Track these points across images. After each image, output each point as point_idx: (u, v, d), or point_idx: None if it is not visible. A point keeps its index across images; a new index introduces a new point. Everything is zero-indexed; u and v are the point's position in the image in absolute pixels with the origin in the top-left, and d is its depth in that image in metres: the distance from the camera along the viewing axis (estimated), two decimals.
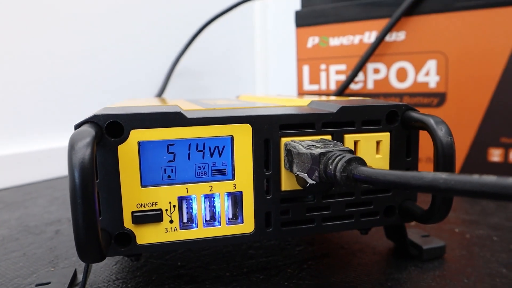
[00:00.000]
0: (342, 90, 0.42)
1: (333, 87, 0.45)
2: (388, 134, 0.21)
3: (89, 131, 0.16)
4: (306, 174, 0.17)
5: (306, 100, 0.24)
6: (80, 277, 0.21)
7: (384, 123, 0.21)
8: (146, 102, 0.24)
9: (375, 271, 0.22)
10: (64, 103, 0.50)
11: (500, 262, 0.23)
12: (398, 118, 0.21)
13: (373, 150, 0.21)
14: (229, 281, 0.21)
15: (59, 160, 0.48)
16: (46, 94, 0.48)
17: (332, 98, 0.26)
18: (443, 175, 0.12)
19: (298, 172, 0.18)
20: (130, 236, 0.18)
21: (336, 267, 0.23)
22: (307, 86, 0.47)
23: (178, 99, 0.36)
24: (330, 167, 0.16)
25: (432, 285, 0.21)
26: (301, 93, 0.47)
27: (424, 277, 0.22)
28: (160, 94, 0.54)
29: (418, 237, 0.25)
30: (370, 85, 0.43)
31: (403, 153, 0.21)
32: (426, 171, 0.13)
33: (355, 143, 0.20)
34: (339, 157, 0.16)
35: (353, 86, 0.44)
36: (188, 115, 0.18)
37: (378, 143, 0.21)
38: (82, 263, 0.23)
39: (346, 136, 0.20)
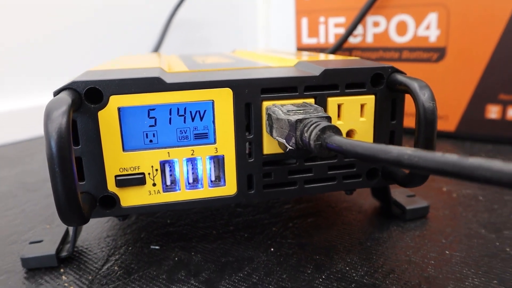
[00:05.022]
0: (340, 44, 0.41)
1: (332, 40, 0.44)
2: (372, 97, 0.21)
3: (65, 99, 0.16)
4: (285, 140, 0.18)
5: (293, 60, 0.24)
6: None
7: (369, 86, 0.20)
8: (133, 63, 0.24)
9: (357, 230, 0.23)
10: (62, 58, 0.49)
11: (480, 223, 0.23)
12: (383, 81, 0.20)
13: (357, 113, 0.21)
14: (214, 239, 0.22)
15: None
16: (45, 49, 0.48)
17: (322, 57, 0.26)
18: (408, 151, 0.12)
19: (277, 137, 0.18)
20: (114, 199, 0.19)
21: (320, 226, 0.23)
22: (305, 39, 0.45)
23: (172, 55, 0.36)
24: (306, 134, 0.16)
25: (410, 245, 0.21)
26: (300, 46, 0.46)
27: (403, 236, 0.22)
28: (156, 48, 0.53)
29: (403, 197, 0.25)
30: (369, 39, 0.41)
31: (388, 116, 0.21)
32: (394, 146, 0.13)
33: (339, 106, 0.20)
34: (314, 125, 0.16)
35: (352, 40, 0.42)
36: (168, 80, 0.18)
37: (362, 106, 0.21)
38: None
39: (330, 99, 0.20)
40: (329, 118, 0.17)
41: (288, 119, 0.17)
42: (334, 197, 0.27)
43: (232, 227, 0.23)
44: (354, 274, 0.19)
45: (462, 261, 0.20)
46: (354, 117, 0.21)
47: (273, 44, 0.71)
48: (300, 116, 0.17)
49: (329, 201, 0.26)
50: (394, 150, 0.12)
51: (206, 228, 0.23)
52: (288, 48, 0.64)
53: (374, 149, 0.13)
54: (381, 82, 0.21)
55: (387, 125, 0.21)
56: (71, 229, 0.23)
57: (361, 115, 0.21)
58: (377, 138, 0.21)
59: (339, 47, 0.42)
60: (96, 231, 0.23)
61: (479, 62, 0.37)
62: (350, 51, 0.43)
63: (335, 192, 0.28)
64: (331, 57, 0.26)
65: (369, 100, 0.21)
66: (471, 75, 0.37)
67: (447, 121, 0.40)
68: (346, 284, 0.18)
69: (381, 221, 0.24)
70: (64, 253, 0.20)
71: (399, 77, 0.20)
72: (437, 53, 0.38)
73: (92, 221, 0.24)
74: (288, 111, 0.18)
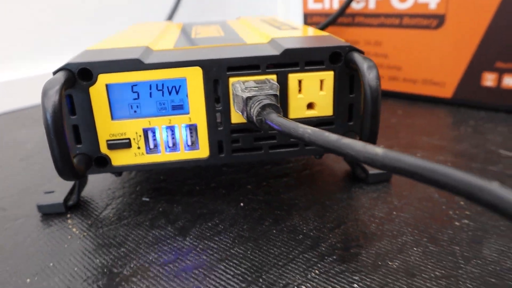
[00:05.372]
0: (342, 10, 0.42)
1: (336, 6, 0.45)
2: (331, 73, 0.23)
3: (59, 79, 0.20)
4: (241, 113, 0.21)
5: (269, 36, 0.26)
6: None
7: (328, 63, 0.23)
8: (126, 41, 0.27)
9: (321, 191, 0.26)
10: (84, 23, 0.53)
11: (440, 200, 0.26)
12: (341, 59, 0.23)
13: (316, 88, 0.23)
14: (196, 194, 0.26)
15: None
16: (58, 17, 0.52)
17: (296, 33, 0.28)
18: (308, 130, 0.15)
19: (237, 111, 0.21)
20: (106, 159, 0.23)
21: (290, 186, 0.27)
22: (311, 5, 0.47)
23: (176, 25, 0.39)
24: (252, 110, 0.19)
25: (365, 206, 0.24)
26: (306, 11, 0.47)
27: (361, 198, 0.25)
28: (171, 16, 0.56)
29: None
30: (372, 5, 0.42)
31: (346, 90, 0.23)
32: (302, 125, 0.16)
33: (299, 81, 0.23)
34: (258, 102, 0.19)
35: (355, 6, 0.43)
36: (146, 61, 0.22)
37: (322, 81, 0.23)
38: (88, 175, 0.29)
39: (290, 75, 0.23)
40: (276, 96, 0.20)
41: (242, 96, 0.20)
42: (312, 160, 0.30)
43: (214, 184, 0.27)
44: (304, 228, 0.22)
45: (404, 221, 0.23)
46: (314, 91, 0.23)
47: (292, 9, 0.72)
48: (251, 94, 0.20)
49: (306, 164, 0.29)
50: (300, 129, 0.15)
51: (192, 185, 0.27)
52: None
53: (289, 126, 0.16)
54: (339, 60, 0.23)
55: (346, 99, 0.24)
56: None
57: (321, 89, 0.23)
58: (336, 110, 0.24)
59: (342, 13, 0.43)
60: (100, 185, 0.28)
61: (477, 29, 0.37)
62: (353, 16, 0.44)
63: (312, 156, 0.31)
64: (310, 31, 0.28)
65: (328, 76, 0.23)
66: (469, 43, 0.38)
67: (444, 88, 0.41)
68: (294, 235, 0.22)
69: (346, 184, 0.27)
70: (70, 202, 0.25)
71: (354, 56, 0.22)
72: (437, 19, 0.39)
73: (98, 177, 0.29)
74: (246, 88, 0.21)
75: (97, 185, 0.28)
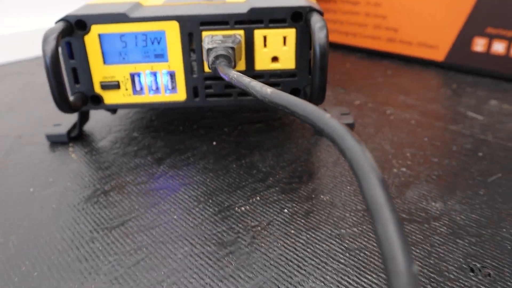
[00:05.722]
0: None
1: None
2: (293, 30, 0.26)
3: (57, 28, 0.24)
4: (207, 63, 0.24)
5: None
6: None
7: (290, 21, 0.26)
8: None
9: (286, 136, 0.29)
10: None
11: (391, 140, 0.28)
12: (302, 18, 0.25)
13: (280, 43, 0.26)
14: (178, 133, 0.30)
15: None
16: None
17: None
18: (235, 75, 0.18)
19: (205, 60, 0.25)
20: (100, 98, 0.27)
21: (261, 131, 0.30)
22: None
23: None
24: (209, 59, 0.23)
25: (319, 151, 0.27)
26: None
27: (319, 144, 0.28)
28: None
29: (337, 115, 0.31)
30: None
31: (307, 46, 0.26)
32: (248, 78, 0.19)
33: (264, 37, 0.26)
34: (215, 52, 0.22)
35: None
36: (131, 15, 0.25)
37: (285, 38, 0.26)
38: (97, 112, 0.33)
39: (256, 31, 0.26)
40: (233, 49, 0.23)
41: (205, 47, 0.23)
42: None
43: (196, 125, 0.31)
44: (260, 165, 0.26)
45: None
46: (277, 47, 0.26)
47: None
48: (211, 46, 0.23)
49: (282, 115, 0.33)
50: (245, 80, 0.19)
51: (176, 125, 0.31)
52: None
53: (238, 79, 0.19)
54: (300, 19, 0.25)
55: (306, 54, 0.26)
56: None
57: (284, 44, 0.26)
58: (298, 64, 0.27)
59: None
60: (100, 122, 0.32)
61: None
62: None
63: None
64: None
65: (290, 33, 0.26)
66: (463, 6, 0.39)
67: (437, 51, 0.42)
68: (250, 170, 0.25)
69: (311, 133, 0.30)
70: (73, 134, 0.30)
71: (311, 16, 0.25)
72: None
73: (99, 116, 0.33)
74: (212, 41, 0.24)
75: (98, 121, 0.32)
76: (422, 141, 0.28)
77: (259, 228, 0.21)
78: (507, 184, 0.24)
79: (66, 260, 0.19)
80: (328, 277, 0.18)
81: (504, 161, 0.26)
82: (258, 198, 0.23)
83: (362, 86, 0.38)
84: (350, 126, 0.30)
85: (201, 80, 0.27)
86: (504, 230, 0.20)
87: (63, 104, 0.25)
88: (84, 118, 0.31)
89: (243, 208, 0.22)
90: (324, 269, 0.18)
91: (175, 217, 0.22)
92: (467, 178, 0.24)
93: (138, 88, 0.27)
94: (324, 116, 0.13)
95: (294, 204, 0.22)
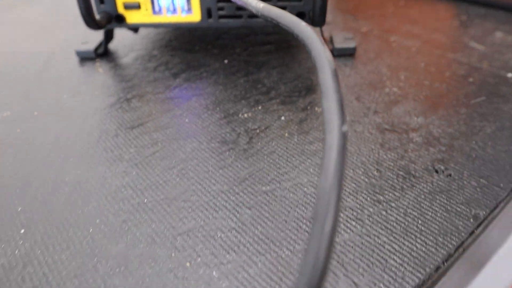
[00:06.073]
0: None
1: None
2: None
3: None
4: None
5: None
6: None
7: None
8: None
9: (292, 57, 0.32)
10: None
11: (388, 64, 0.31)
12: None
13: None
14: (194, 52, 0.33)
15: None
16: None
17: None
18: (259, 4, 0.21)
19: None
20: (122, 17, 0.30)
21: (269, 52, 0.33)
22: None
23: None
24: None
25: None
26: None
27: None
28: None
29: (341, 39, 0.33)
30: None
31: None
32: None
33: None
34: None
35: None
36: None
37: None
38: (121, 33, 0.36)
39: None
40: None
41: None
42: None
43: (210, 46, 0.34)
44: (265, 80, 0.29)
45: (347, 84, 0.28)
46: None
47: None
48: None
49: (291, 38, 0.35)
50: (253, 2, 0.21)
51: (193, 45, 0.34)
52: None
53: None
54: None
55: None
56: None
57: None
58: None
59: None
60: (124, 42, 0.35)
61: None
62: None
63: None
64: None
65: None
66: None
67: None
68: (255, 84, 0.28)
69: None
70: (99, 51, 0.33)
71: None
72: None
73: (124, 37, 0.36)
74: None
75: (122, 41, 0.36)
76: (418, 66, 0.30)
77: (257, 130, 0.24)
78: (488, 106, 0.26)
79: (96, 150, 0.23)
80: (311, 170, 0.21)
81: (492, 87, 0.28)
82: (260, 107, 0.26)
83: (372, 14, 0.40)
84: (351, 50, 0.32)
85: (214, 2, 0.29)
86: (474, 142, 0.23)
87: (90, 21, 0.28)
88: (109, 37, 0.34)
89: (246, 115, 0.25)
90: (308, 163, 0.22)
91: (186, 120, 0.25)
92: (452, 99, 0.27)
93: (157, 8, 0.30)
94: (300, 24, 0.16)
95: (290, 113, 0.25)
